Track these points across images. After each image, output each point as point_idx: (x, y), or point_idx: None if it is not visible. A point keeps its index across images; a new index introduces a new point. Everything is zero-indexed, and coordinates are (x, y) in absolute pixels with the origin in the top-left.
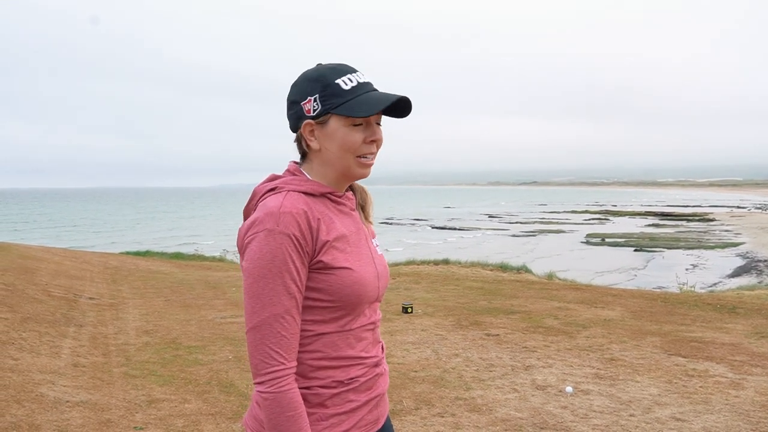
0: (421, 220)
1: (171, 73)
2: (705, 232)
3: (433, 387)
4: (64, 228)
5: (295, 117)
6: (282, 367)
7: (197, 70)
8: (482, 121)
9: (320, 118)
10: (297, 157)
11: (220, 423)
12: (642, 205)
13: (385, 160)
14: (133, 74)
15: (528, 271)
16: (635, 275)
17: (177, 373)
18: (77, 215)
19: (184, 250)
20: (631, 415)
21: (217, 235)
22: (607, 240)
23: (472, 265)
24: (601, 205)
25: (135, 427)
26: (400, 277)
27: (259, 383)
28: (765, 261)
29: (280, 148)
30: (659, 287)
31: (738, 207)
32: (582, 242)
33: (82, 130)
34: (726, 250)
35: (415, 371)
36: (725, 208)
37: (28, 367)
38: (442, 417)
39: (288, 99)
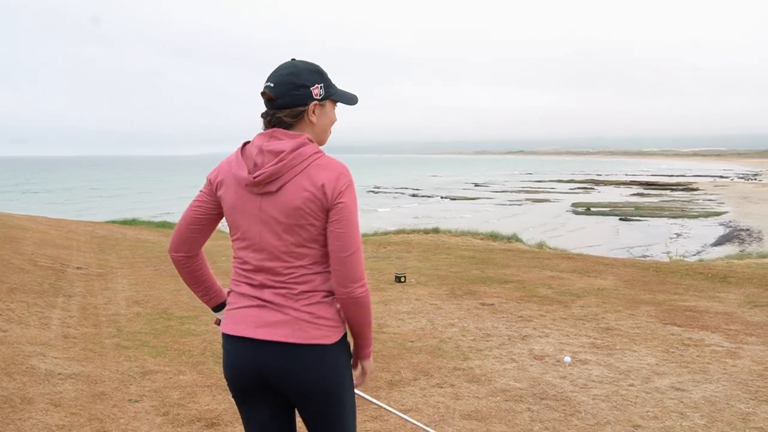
0: (407, 188)
1: (163, 39)
2: (689, 201)
3: (431, 357)
4: (51, 196)
5: (303, 96)
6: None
7: (189, 35)
8: (469, 90)
9: (323, 101)
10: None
11: (216, 395)
12: (627, 175)
13: (370, 130)
14: (124, 40)
15: (518, 240)
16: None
17: (170, 344)
18: (66, 184)
19: (171, 219)
20: (630, 385)
21: None
22: (592, 209)
23: (463, 234)
24: (586, 175)
25: (129, 400)
26: (391, 246)
27: (361, 285)
28: (747, 230)
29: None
30: (644, 256)
31: (721, 176)
32: (568, 211)
33: (70, 98)
34: (709, 219)
35: (412, 341)
36: (708, 178)
37: (18, 339)
38: (441, 387)
39: (292, 81)
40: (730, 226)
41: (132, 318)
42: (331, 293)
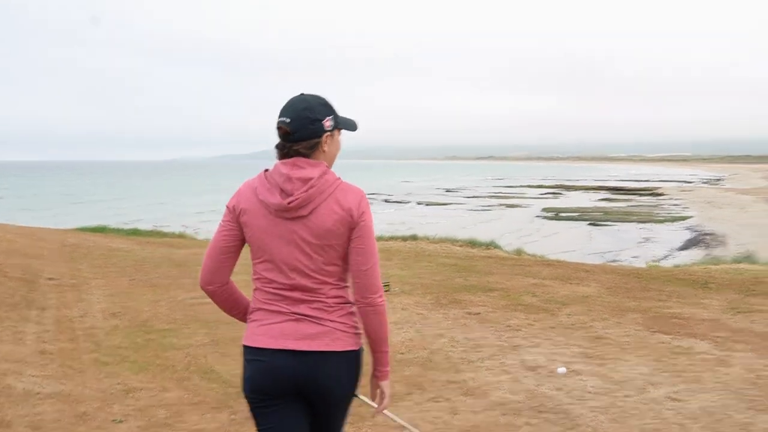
0: (380, 194)
1: (145, 42)
2: (655, 206)
3: (423, 369)
4: (20, 202)
5: (317, 130)
6: None
7: (171, 40)
8: (440, 95)
9: (332, 131)
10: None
11: (205, 413)
12: (595, 180)
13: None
14: (103, 42)
15: (497, 246)
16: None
17: (152, 359)
18: (35, 189)
19: (141, 226)
20: (626, 396)
21: (164, 210)
22: (561, 214)
23: (441, 240)
24: (555, 180)
25: (114, 420)
26: None
27: (380, 296)
28: (711, 234)
29: (244, 119)
30: (614, 260)
31: (686, 182)
32: (537, 216)
33: (46, 101)
34: (675, 223)
35: (402, 353)
36: (674, 183)
37: None
38: (437, 402)
39: (307, 116)
40: (696, 231)
41: (110, 331)
42: (353, 304)
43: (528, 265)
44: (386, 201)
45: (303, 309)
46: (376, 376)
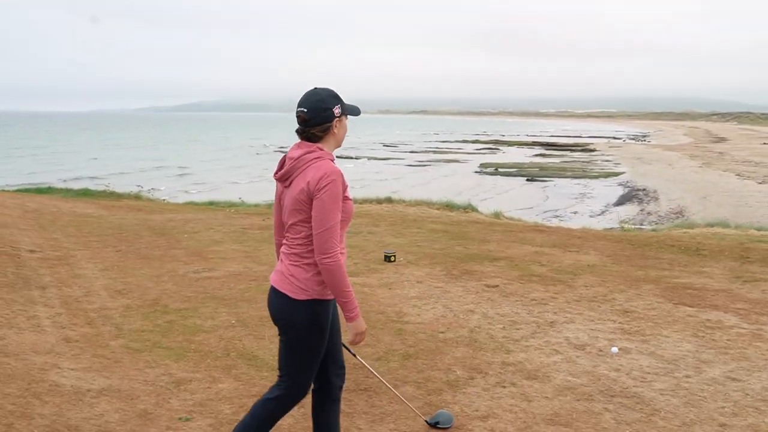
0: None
1: None
2: (588, 161)
3: (472, 351)
4: None
5: (329, 116)
6: (338, 249)
7: None
8: (372, 50)
9: (340, 117)
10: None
11: None
12: (528, 136)
13: (270, 87)
14: None
15: (474, 209)
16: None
17: (185, 344)
18: None
19: (84, 184)
20: (687, 377)
21: (110, 166)
22: (500, 170)
23: (417, 203)
24: (489, 135)
25: (180, 418)
26: (355, 219)
27: (328, 257)
28: (643, 189)
29: (165, 72)
30: (556, 216)
31: (614, 138)
32: (476, 172)
33: None
34: (609, 179)
35: (442, 332)
36: (603, 139)
37: (20, 348)
38: (504, 387)
39: (320, 106)
40: (629, 186)
41: (124, 313)
42: (312, 264)
43: (519, 231)
44: (338, 156)
45: (282, 255)
46: (346, 318)
